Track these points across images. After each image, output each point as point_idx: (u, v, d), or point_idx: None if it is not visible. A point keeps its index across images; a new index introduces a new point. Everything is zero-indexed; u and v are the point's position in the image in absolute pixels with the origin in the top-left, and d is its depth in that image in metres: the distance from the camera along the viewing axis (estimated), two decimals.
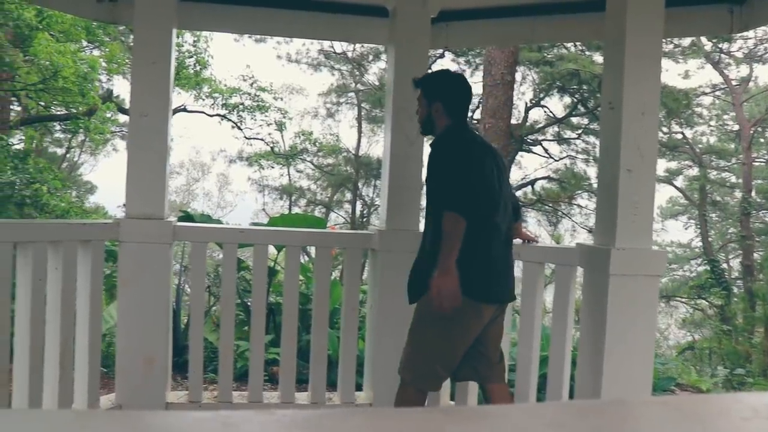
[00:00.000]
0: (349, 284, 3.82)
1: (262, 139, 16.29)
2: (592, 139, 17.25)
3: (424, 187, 3.12)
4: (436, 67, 16.77)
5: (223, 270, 3.72)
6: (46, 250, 3.26)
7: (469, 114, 3.98)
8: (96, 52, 12.19)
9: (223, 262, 3.74)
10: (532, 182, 17.67)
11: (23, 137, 10.49)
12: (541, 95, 17.16)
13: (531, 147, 17.43)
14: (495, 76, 11.74)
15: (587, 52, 15.74)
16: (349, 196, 18.95)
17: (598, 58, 15.32)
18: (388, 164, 3.79)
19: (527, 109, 17.00)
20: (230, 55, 19.23)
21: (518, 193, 17.33)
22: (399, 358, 3.71)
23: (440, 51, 15.61)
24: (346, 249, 3.84)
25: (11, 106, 10.64)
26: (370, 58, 18.06)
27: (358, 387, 4.00)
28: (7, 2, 7.78)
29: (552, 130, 17.90)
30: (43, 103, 10.35)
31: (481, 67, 17.12)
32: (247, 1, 4.03)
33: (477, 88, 17.25)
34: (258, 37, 16.90)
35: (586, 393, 3.11)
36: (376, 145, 19.54)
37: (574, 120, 17.51)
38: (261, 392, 3.76)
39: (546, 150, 17.61)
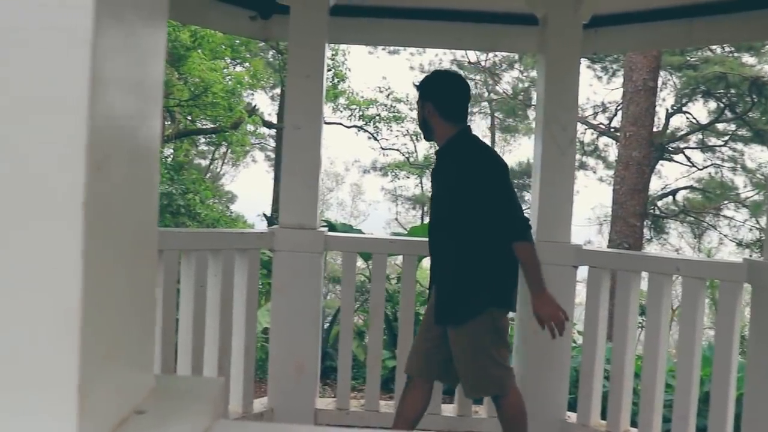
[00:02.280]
0: None
1: (397, 150, 16.49)
2: (739, 146, 16.26)
3: (434, 198, 3.12)
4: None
5: (373, 280, 3.77)
6: (207, 257, 3.42)
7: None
8: (238, 68, 12.78)
9: (372, 272, 3.79)
10: (674, 192, 16.86)
11: (173, 150, 11.14)
12: (684, 101, 16.36)
13: (672, 155, 16.65)
14: (636, 82, 11.28)
15: (735, 54, 14.84)
16: None
17: (749, 59, 14.42)
18: (539, 174, 3.71)
19: (668, 116, 16.24)
20: (365, 67, 19.58)
21: (659, 203, 16.59)
22: (542, 373, 3.64)
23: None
24: None
25: (165, 122, 11.35)
26: (504, 66, 17.90)
27: None
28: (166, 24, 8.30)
29: (695, 138, 17.02)
30: (190, 118, 10.96)
31: (619, 74, 16.55)
32: (395, 14, 4.07)
33: (616, 95, 16.74)
34: (392, 49, 17.15)
35: (756, 426, 2.90)
36: (509, 155, 19.32)
37: (720, 126, 16.56)
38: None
39: (688, 158, 16.76)
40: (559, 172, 3.72)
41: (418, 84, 3.09)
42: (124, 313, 0.64)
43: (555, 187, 3.70)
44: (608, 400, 3.58)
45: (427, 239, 3.18)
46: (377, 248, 3.77)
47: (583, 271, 3.86)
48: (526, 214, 3.01)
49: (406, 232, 7.92)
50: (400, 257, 3.97)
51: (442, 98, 2.99)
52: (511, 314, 3.35)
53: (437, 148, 3.09)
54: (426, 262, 5.78)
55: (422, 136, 3.15)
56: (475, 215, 2.83)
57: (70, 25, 0.51)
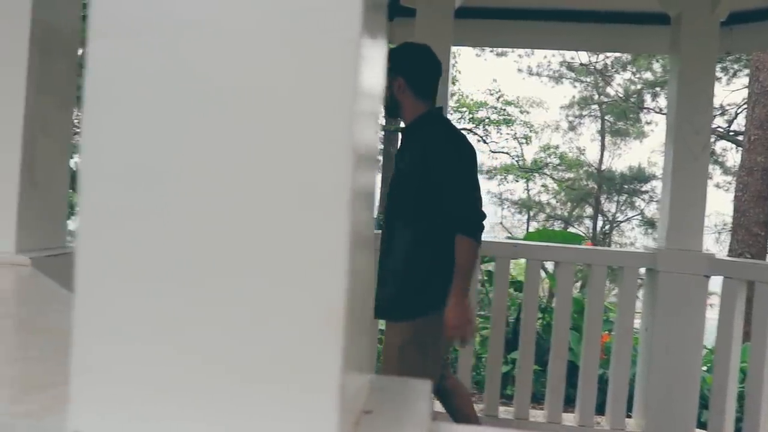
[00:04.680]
0: (623, 305, 3.65)
1: (507, 153, 16.31)
2: None
3: (387, 179, 2.85)
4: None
5: (495, 285, 3.73)
6: None
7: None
8: None
9: (495, 277, 3.74)
10: None
11: None
12: None
13: None
14: (763, 82, 10.68)
15: None
16: (589, 211, 18.36)
17: None
18: (670, 180, 3.58)
19: None
20: (473, 69, 19.52)
21: None
22: (670, 388, 3.50)
23: None
24: (621, 268, 3.67)
25: None
26: (616, 68, 17.39)
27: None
28: None
29: None
30: None
31: (741, 74, 15.77)
32: (521, 16, 4.02)
33: (736, 96, 15.95)
34: (500, 50, 16.98)
35: None
36: (619, 159, 18.75)
37: None
38: (528, 409, 3.71)
39: None
40: (691, 178, 3.57)
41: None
42: (361, 313, 0.65)
43: (686, 194, 3.56)
44: (743, 421, 3.41)
45: (554, 244, 3.10)
46: (500, 252, 3.72)
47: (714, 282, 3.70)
48: (485, 212, 2.71)
49: (510, 236, 7.78)
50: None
51: (416, 73, 2.72)
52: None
53: (403, 126, 2.81)
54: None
55: (384, 112, 2.81)
56: (436, 203, 2.56)
57: (339, 25, 0.52)
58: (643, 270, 3.78)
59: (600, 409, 3.82)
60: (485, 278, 5.93)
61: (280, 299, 0.51)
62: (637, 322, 4.00)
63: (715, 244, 16.23)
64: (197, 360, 0.52)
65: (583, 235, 18.11)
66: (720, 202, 16.02)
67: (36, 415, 0.56)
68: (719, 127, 16.71)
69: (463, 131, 12.42)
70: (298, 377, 0.51)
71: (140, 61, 0.53)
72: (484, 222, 2.68)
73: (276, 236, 0.51)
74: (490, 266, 6.06)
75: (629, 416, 3.79)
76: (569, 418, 3.74)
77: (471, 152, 2.75)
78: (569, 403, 4.10)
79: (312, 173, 0.51)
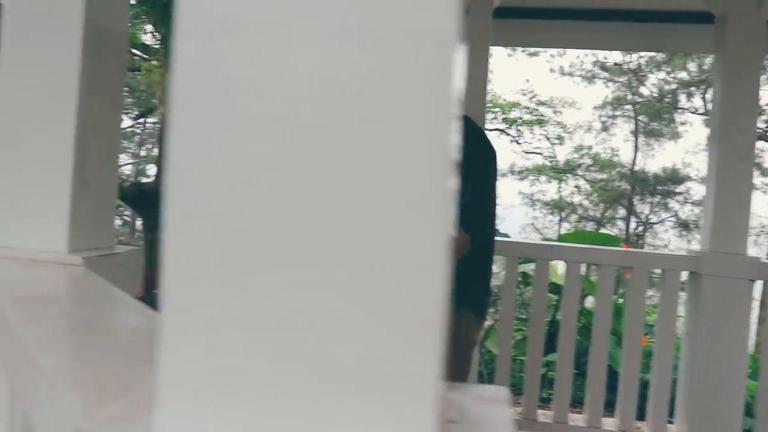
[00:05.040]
0: (665, 309, 3.59)
1: (539, 153, 16.20)
2: None
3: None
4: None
5: (534, 287, 3.70)
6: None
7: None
8: None
9: (534, 279, 3.71)
10: None
11: None
12: None
13: None
14: None
15: None
16: (622, 212, 18.15)
17: None
18: (714, 182, 3.51)
19: None
20: (504, 69, 19.41)
21: None
22: (713, 396, 3.44)
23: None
24: (664, 271, 3.61)
25: None
26: (649, 68, 17.18)
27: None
28: None
29: None
30: None
31: None
32: (561, 15, 3.98)
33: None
34: (531, 50, 16.86)
35: None
36: (652, 160, 18.52)
37: None
38: (567, 413, 3.67)
39: None
40: (736, 180, 3.50)
41: None
42: (447, 317, 0.64)
43: (731, 196, 3.49)
44: None
45: (594, 246, 3.05)
46: (537, 254, 3.68)
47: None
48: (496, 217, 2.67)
49: (543, 237, 7.69)
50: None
51: None
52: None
53: None
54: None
55: None
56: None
57: (437, 27, 0.50)
58: (684, 273, 3.72)
59: (641, 414, 3.77)
60: (520, 279, 5.88)
61: (378, 305, 0.49)
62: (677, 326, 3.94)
63: (753, 246, 15.96)
64: (287, 365, 0.51)
65: (616, 236, 17.92)
66: (758, 204, 15.74)
67: (121, 422, 0.56)
68: (757, 127, 16.43)
69: (495, 132, 12.32)
70: (392, 384, 0.50)
71: (227, 62, 0.52)
72: (496, 228, 2.67)
73: (375, 242, 0.49)
74: (524, 267, 6.02)
75: (671, 422, 3.73)
76: (609, 423, 3.69)
77: (491, 151, 2.72)
78: (608, 407, 4.04)
79: (412, 179, 0.49)
